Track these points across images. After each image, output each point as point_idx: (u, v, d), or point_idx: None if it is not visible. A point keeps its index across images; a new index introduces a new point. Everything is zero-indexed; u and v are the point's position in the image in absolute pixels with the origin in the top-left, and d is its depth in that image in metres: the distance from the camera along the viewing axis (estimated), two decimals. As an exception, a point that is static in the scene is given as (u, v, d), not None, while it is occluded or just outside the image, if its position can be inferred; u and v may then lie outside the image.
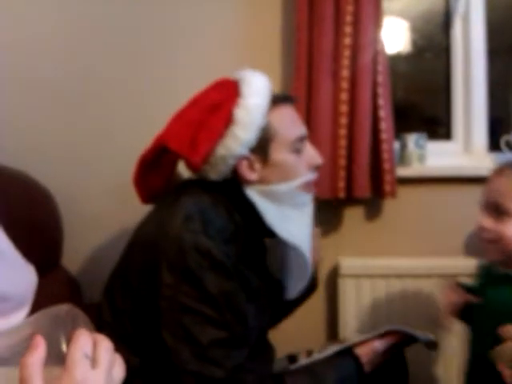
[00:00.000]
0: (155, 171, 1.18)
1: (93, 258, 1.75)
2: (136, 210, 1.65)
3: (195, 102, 1.13)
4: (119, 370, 0.58)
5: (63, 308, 0.61)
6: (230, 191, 1.13)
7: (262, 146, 1.10)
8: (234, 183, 1.13)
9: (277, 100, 1.14)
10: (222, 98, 1.11)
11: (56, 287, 1.45)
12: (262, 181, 1.12)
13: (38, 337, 0.53)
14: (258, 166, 1.11)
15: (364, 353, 1.17)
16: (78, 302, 1.56)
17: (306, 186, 1.16)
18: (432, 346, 1.25)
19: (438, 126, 1.97)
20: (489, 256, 1.20)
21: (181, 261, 1.01)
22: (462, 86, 1.88)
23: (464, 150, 1.87)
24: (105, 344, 0.57)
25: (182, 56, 1.74)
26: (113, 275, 1.17)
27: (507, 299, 1.15)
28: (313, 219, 1.20)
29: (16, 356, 0.54)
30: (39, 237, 1.46)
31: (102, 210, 1.73)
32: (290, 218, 1.13)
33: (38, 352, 0.52)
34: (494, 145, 1.86)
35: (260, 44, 1.73)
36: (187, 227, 1.03)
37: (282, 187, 1.12)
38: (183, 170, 1.26)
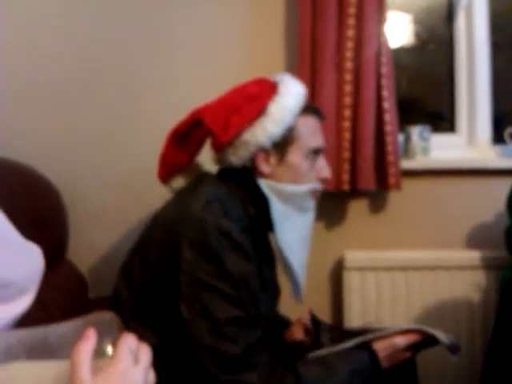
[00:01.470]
0: (182, 146, 1.24)
1: (98, 252, 1.75)
2: (141, 205, 1.67)
3: (235, 91, 1.21)
4: (152, 375, 0.63)
5: (107, 314, 0.65)
6: (244, 182, 1.18)
7: (283, 145, 1.17)
8: (248, 175, 1.18)
9: (308, 109, 1.21)
10: (261, 91, 1.18)
11: (62, 281, 1.45)
12: (273, 176, 1.18)
13: (90, 329, 0.58)
14: (273, 161, 1.18)
15: (382, 348, 1.16)
16: (84, 295, 1.57)
17: (312, 194, 1.22)
18: (455, 349, 1.18)
19: (442, 119, 1.97)
20: None
21: (203, 239, 1.05)
22: (465, 78, 1.88)
23: (468, 142, 1.87)
24: (146, 347, 0.63)
25: (185, 51, 1.74)
26: (130, 256, 1.20)
27: None
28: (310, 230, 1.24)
29: (65, 345, 0.59)
30: (45, 231, 1.46)
31: (108, 204, 1.74)
32: (291, 220, 1.18)
33: (90, 342, 0.57)
34: (497, 137, 1.86)
35: (263, 37, 1.73)
36: (209, 210, 1.08)
37: (289, 187, 1.18)
38: (204, 162, 1.30)
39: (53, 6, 1.72)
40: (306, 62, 1.64)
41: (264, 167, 1.17)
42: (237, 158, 1.17)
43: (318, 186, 1.23)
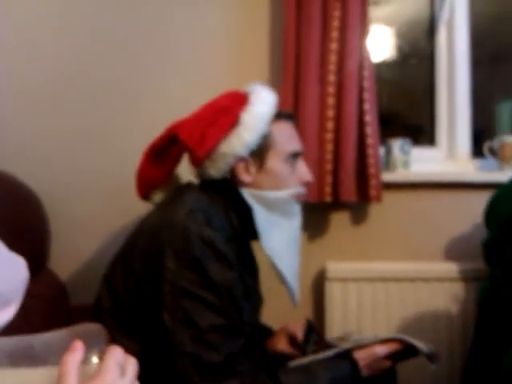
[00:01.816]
0: (159, 163, 1.25)
1: (80, 261, 1.74)
2: (123, 213, 1.67)
3: (208, 106, 1.22)
4: None
5: (95, 326, 0.66)
6: (227, 192, 1.19)
7: (261, 152, 1.18)
8: (229, 185, 1.19)
9: (281, 115, 1.23)
10: (233, 103, 1.20)
11: (42, 289, 1.44)
12: (254, 185, 1.19)
13: (78, 341, 0.59)
14: (253, 169, 1.19)
15: (363, 357, 1.18)
16: (65, 304, 1.56)
17: (296, 198, 1.23)
18: (433, 358, 1.21)
19: (422, 133, 2.00)
20: None
21: (186, 248, 1.06)
22: (445, 92, 1.91)
23: (448, 156, 1.90)
24: (133, 360, 0.64)
25: (173, 65, 1.75)
26: (113, 264, 1.20)
27: None
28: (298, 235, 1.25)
29: (51, 354, 0.60)
30: (25, 239, 1.45)
31: (90, 213, 1.73)
32: (277, 226, 1.19)
33: (77, 353, 0.58)
34: (477, 151, 1.89)
35: (248, 49, 1.75)
36: (192, 219, 1.09)
37: (272, 194, 1.19)
38: (182, 174, 1.31)
39: (52, 10, 1.72)
40: (290, 74, 1.65)
41: (244, 176, 1.19)
42: (216, 170, 1.18)
43: (300, 189, 1.24)
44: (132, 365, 0.63)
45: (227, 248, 1.10)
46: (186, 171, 1.29)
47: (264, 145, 1.18)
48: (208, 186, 1.21)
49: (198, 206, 1.13)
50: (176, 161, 1.28)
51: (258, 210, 1.17)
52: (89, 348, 0.61)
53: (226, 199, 1.19)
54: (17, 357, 0.60)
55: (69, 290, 1.62)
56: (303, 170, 1.25)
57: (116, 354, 0.61)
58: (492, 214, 1.45)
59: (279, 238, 1.19)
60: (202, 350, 1.04)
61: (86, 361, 0.60)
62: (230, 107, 1.19)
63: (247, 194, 1.18)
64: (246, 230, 1.20)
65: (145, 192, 1.28)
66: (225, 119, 1.17)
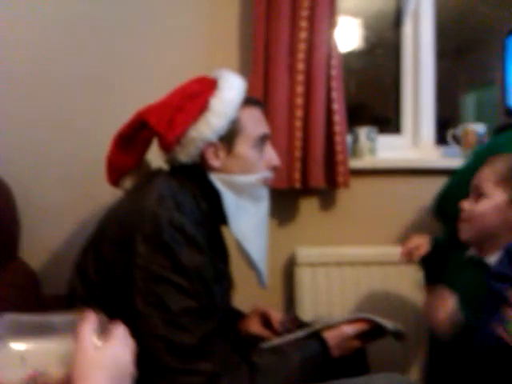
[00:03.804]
0: (129, 149, 1.25)
1: (51, 250, 1.73)
2: (93, 202, 1.67)
3: (177, 91, 1.23)
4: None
5: (97, 313, 0.75)
6: (196, 177, 1.20)
7: (229, 137, 1.19)
8: (199, 170, 1.20)
9: (249, 101, 1.24)
10: (201, 88, 1.20)
11: (14, 279, 1.44)
12: (223, 170, 1.20)
13: (91, 313, 0.72)
14: (222, 154, 1.20)
15: (331, 336, 1.20)
16: (37, 292, 1.56)
17: (264, 182, 1.25)
18: (400, 336, 1.25)
19: (389, 121, 2.05)
20: (461, 235, 1.26)
21: (156, 234, 1.07)
22: (411, 81, 1.97)
23: (412, 143, 1.96)
24: (117, 322, 0.75)
25: (145, 51, 1.75)
26: (84, 251, 1.20)
27: (467, 283, 1.21)
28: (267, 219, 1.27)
29: (68, 329, 0.71)
30: (-6, 228, 1.45)
31: (60, 201, 1.72)
32: (245, 211, 1.21)
33: (92, 321, 0.71)
34: (441, 139, 1.95)
35: (217, 37, 1.76)
36: (161, 204, 1.10)
37: (241, 178, 1.21)
38: (152, 160, 1.31)
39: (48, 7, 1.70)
40: (260, 63, 1.67)
41: (213, 161, 1.20)
42: (186, 155, 1.19)
43: (268, 174, 1.26)
44: (132, 340, 0.75)
45: (197, 232, 1.11)
46: (156, 157, 1.29)
47: (233, 130, 1.19)
48: (178, 171, 1.22)
49: (168, 192, 1.13)
50: (145, 147, 1.29)
51: (226, 195, 1.19)
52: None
53: (195, 184, 1.20)
54: (38, 331, 0.71)
55: (40, 280, 1.62)
56: (271, 155, 1.26)
57: (122, 327, 0.74)
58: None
59: (247, 222, 1.21)
60: (175, 332, 1.05)
61: None
62: (198, 92, 1.19)
63: (216, 178, 1.19)
64: (215, 214, 1.21)
65: (115, 179, 1.28)
66: (193, 104, 1.17)
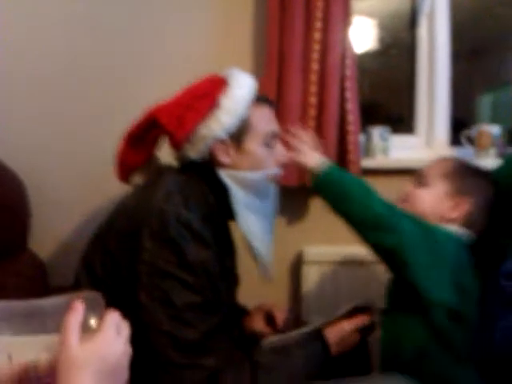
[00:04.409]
0: (139, 147, 1.26)
1: (60, 242, 1.75)
2: (103, 196, 1.68)
3: (187, 90, 1.23)
4: (129, 347, 0.74)
5: (94, 293, 0.75)
6: (205, 173, 1.21)
7: (239, 135, 1.20)
8: (208, 166, 1.21)
9: (260, 99, 1.24)
10: (211, 87, 1.21)
11: (23, 269, 1.45)
12: (233, 166, 1.21)
13: (78, 303, 0.70)
14: (232, 151, 1.21)
15: (332, 334, 1.21)
16: (45, 284, 1.57)
17: (272, 179, 1.26)
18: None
19: (402, 121, 2.04)
20: None
21: (163, 229, 1.08)
22: (426, 82, 1.95)
23: (426, 143, 1.94)
24: (126, 323, 0.75)
25: (158, 52, 1.76)
26: (91, 244, 1.21)
27: None
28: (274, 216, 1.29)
29: (58, 315, 0.70)
30: (6, 220, 1.46)
31: (71, 194, 1.74)
32: (252, 206, 1.22)
33: (78, 313, 0.69)
34: (455, 140, 1.93)
35: (232, 37, 1.76)
36: (169, 200, 1.11)
37: (249, 174, 1.21)
38: (163, 157, 1.31)
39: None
40: (274, 63, 1.67)
41: (223, 158, 1.20)
42: (195, 152, 1.20)
43: (277, 171, 1.27)
44: (126, 327, 0.74)
45: (204, 228, 1.12)
46: (166, 154, 1.29)
47: (243, 128, 1.20)
48: (187, 168, 1.23)
49: (175, 188, 1.14)
50: (155, 144, 1.29)
51: (234, 190, 1.19)
52: (88, 311, 0.71)
53: (204, 180, 1.21)
54: (29, 316, 0.71)
55: (48, 271, 1.63)
56: (281, 151, 1.27)
57: (114, 316, 0.72)
58: None
59: (254, 218, 1.22)
60: (179, 327, 1.05)
61: (85, 323, 0.70)
62: (209, 91, 1.20)
63: (224, 174, 1.20)
64: (222, 210, 1.22)
65: (124, 175, 1.29)
66: (203, 102, 1.18)
